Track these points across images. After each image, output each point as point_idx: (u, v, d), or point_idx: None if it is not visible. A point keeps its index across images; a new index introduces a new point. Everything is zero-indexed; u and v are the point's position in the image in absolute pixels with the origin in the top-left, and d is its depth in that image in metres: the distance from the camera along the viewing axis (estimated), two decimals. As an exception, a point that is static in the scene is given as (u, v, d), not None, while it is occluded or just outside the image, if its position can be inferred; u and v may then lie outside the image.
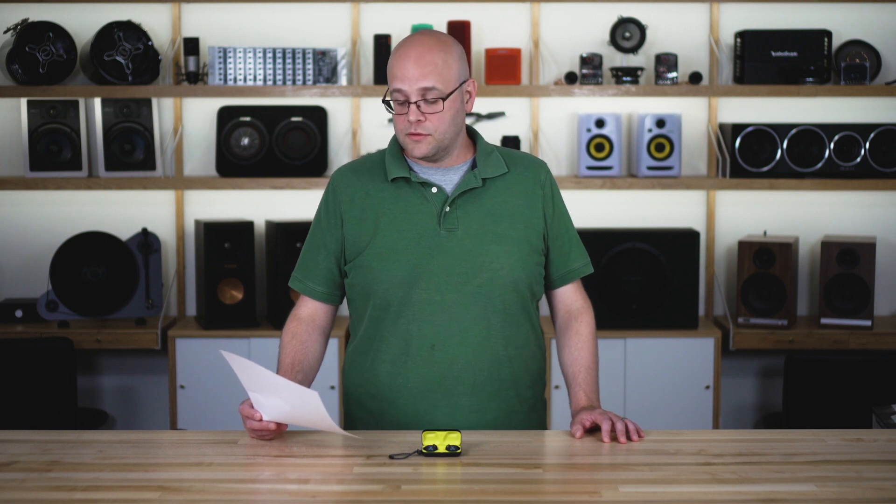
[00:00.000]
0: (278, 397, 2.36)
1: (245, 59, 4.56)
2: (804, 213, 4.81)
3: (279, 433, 2.44)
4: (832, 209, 4.81)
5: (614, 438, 2.44)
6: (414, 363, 2.56)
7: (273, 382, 2.35)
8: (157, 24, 4.71)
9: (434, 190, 2.58)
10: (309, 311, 2.67)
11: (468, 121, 4.72)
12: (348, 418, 2.69)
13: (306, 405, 2.34)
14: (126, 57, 4.50)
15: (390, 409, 2.57)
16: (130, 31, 4.50)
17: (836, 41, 4.70)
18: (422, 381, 2.55)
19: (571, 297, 2.72)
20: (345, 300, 2.71)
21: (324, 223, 2.64)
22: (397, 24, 4.70)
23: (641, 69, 4.62)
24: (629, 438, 2.43)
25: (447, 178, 2.60)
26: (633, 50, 4.62)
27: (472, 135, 2.68)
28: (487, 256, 2.56)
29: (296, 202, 4.73)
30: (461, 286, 2.54)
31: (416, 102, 2.49)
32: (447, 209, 2.57)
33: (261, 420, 2.40)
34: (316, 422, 2.39)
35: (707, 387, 4.49)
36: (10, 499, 2.10)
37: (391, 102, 2.53)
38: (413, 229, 2.56)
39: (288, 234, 4.45)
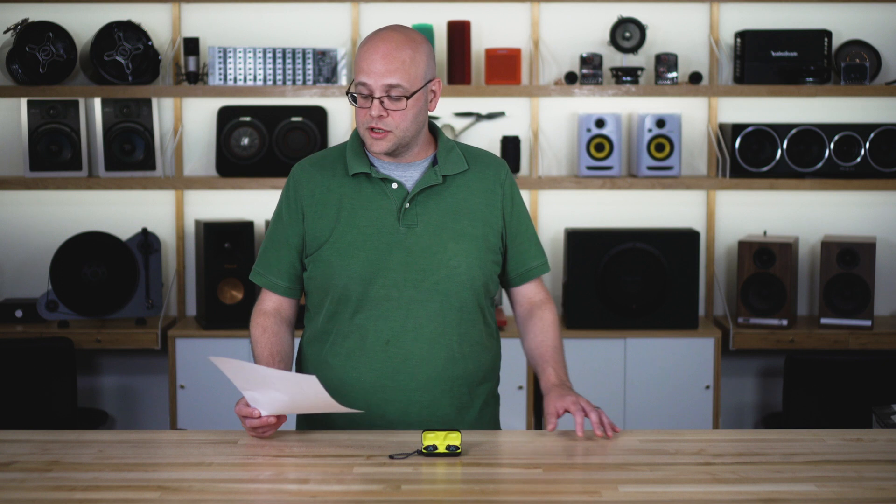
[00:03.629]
0: (275, 390, 2.37)
1: (245, 59, 4.56)
2: (804, 213, 4.81)
3: (279, 425, 2.45)
4: (832, 209, 4.81)
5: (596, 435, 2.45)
6: (368, 358, 2.56)
7: (268, 376, 2.36)
8: (157, 24, 4.71)
9: (394, 186, 2.59)
10: (274, 305, 2.67)
11: (467, 121, 4.74)
12: (300, 413, 2.69)
13: (305, 392, 2.35)
14: (126, 57, 4.50)
15: (342, 402, 2.55)
16: (130, 31, 4.50)
17: (836, 41, 4.70)
18: (375, 376, 2.56)
19: (533, 291, 2.73)
20: None
21: (285, 218, 2.64)
22: (397, 24, 4.69)
23: (641, 69, 4.62)
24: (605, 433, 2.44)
25: (408, 174, 2.61)
26: (633, 50, 4.62)
27: (434, 131, 2.68)
28: (446, 254, 2.57)
29: (296, 202, 4.72)
30: (419, 283, 2.55)
31: (379, 98, 2.49)
32: (407, 205, 2.57)
33: (260, 417, 2.40)
34: (318, 405, 2.40)
35: (707, 387, 4.49)
36: (10, 499, 2.10)
37: (355, 96, 2.53)
38: (372, 225, 2.56)
39: (288, 234, 4.44)
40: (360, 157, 2.60)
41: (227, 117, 4.68)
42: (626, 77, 4.60)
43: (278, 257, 2.65)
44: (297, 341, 2.73)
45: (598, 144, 4.63)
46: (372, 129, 2.52)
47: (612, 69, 4.62)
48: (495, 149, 4.74)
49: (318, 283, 2.60)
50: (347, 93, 2.56)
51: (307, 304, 2.68)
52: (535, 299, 2.72)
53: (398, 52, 2.49)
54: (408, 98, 2.50)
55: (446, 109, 4.74)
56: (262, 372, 2.37)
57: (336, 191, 2.60)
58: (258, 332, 2.64)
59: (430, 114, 2.62)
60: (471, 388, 2.62)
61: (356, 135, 2.63)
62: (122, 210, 4.77)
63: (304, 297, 2.72)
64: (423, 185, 2.58)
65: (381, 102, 2.49)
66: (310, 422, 2.65)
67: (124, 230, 4.67)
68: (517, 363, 4.24)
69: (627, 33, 4.63)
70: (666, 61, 4.61)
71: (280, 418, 2.43)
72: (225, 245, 4.49)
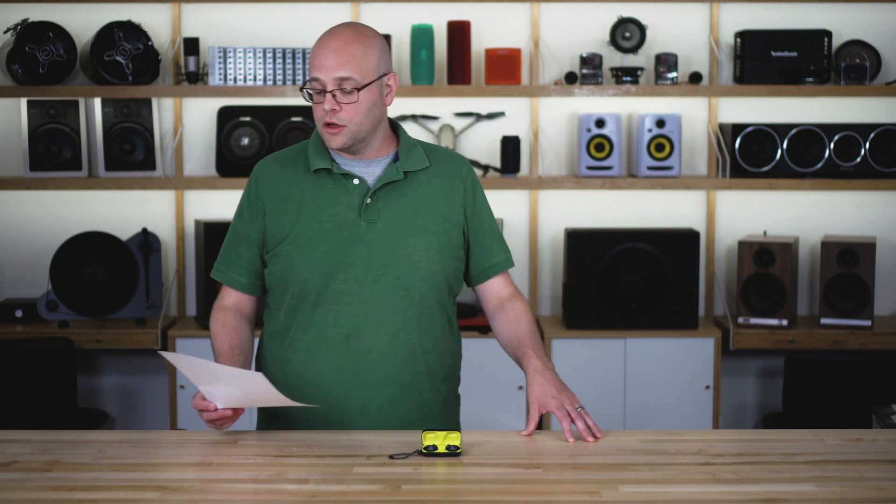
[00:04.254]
0: (227, 385, 2.38)
1: (245, 59, 4.56)
2: (804, 213, 4.81)
3: (237, 418, 2.46)
4: (832, 209, 4.81)
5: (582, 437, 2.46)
6: (328, 352, 2.56)
7: (218, 372, 2.38)
8: (157, 24, 4.71)
9: (356, 181, 2.60)
10: (234, 301, 2.68)
11: (467, 121, 4.74)
12: (260, 410, 2.69)
13: (255, 387, 2.38)
14: (126, 57, 4.50)
15: (302, 398, 2.55)
16: (130, 31, 4.50)
17: (836, 41, 4.70)
18: (335, 371, 2.56)
19: (501, 285, 2.73)
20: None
21: (246, 215, 2.65)
22: (397, 24, 4.70)
23: (641, 69, 4.62)
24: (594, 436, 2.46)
25: (369, 170, 2.62)
26: (633, 50, 4.62)
27: (396, 128, 2.69)
28: (406, 249, 2.57)
29: (296, 202, 4.72)
30: (379, 277, 2.56)
31: (331, 92, 2.51)
32: (368, 201, 2.58)
33: (216, 409, 2.41)
34: (268, 399, 2.42)
35: (707, 387, 4.49)
36: (10, 499, 2.10)
37: (310, 92, 2.54)
38: (333, 220, 2.57)
39: (288, 234, 4.44)
40: (321, 153, 2.62)
41: (227, 117, 4.68)
42: (626, 77, 4.60)
43: (238, 254, 2.66)
44: (257, 340, 2.72)
45: (598, 144, 4.63)
46: (327, 124, 2.53)
47: (612, 69, 4.62)
48: (495, 149, 4.74)
49: (278, 278, 2.61)
50: (301, 89, 2.57)
51: (267, 301, 2.69)
52: (504, 294, 2.72)
53: (348, 46, 2.52)
54: (359, 90, 2.51)
55: (446, 109, 4.74)
56: (214, 368, 2.39)
57: (297, 187, 2.61)
58: (217, 326, 2.65)
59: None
60: (432, 385, 2.62)
61: (318, 132, 2.64)
62: (122, 210, 4.77)
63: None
64: (384, 181, 2.59)
65: (334, 96, 2.51)
66: (270, 421, 2.65)
67: (124, 230, 4.67)
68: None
69: (627, 33, 4.63)
70: (666, 61, 4.61)
71: (237, 410, 2.44)
72: (225, 245, 4.49)
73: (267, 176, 2.65)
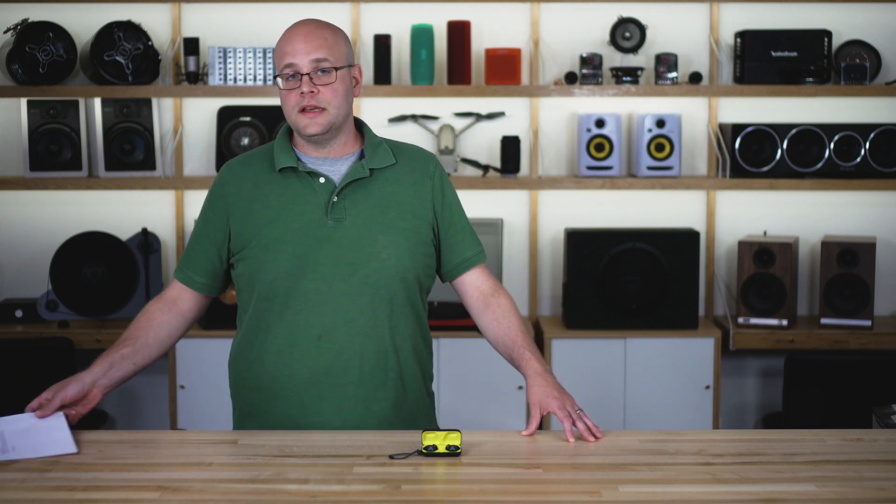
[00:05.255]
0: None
1: (245, 59, 4.56)
2: (804, 213, 4.81)
3: (88, 400, 2.54)
4: (832, 209, 4.81)
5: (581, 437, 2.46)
6: (300, 354, 2.55)
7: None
8: (157, 24, 4.72)
9: (322, 180, 2.59)
10: (173, 294, 2.67)
11: (467, 121, 4.74)
12: (236, 413, 2.68)
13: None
14: (126, 57, 4.50)
15: (276, 401, 2.55)
16: (130, 31, 4.50)
17: (836, 41, 4.70)
18: (308, 373, 2.54)
19: (479, 279, 2.71)
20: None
21: (208, 215, 2.65)
22: (397, 24, 4.70)
23: (641, 69, 4.62)
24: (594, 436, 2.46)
25: (335, 168, 2.61)
26: (633, 50, 4.62)
27: (361, 126, 2.69)
28: (375, 247, 2.56)
29: (296, 202, 4.72)
30: (348, 276, 2.54)
31: (308, 74, 2.52)
32: (335, 199, 2.57)
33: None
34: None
35: (707, 387, 4.49)
36: (10, 499, 2.10)
37: (281, 82, 2.54)
38: (300, 220, 2.56)
39: (288, 234, 4.45)
40: (287, 152, 2.61)
41: (227, 117, 4.69)
42: (626, 77, 4.60)
43: (196, 253, 2.66)
44: (228, 342, 2.71)
45: (598, 144, 4.63)
46: (305, 109, 2.52)
47: (612, 69, 4.62)
48: (495, 149, 4.74)
49: (246, 280, 2.60)
50: (275, 78, 2.56)
51: (238, 304, 2.67)
52: (484, 288, 2.70)
53: (318, 31, 2.56)
54: (337, 70, 2.52)
55: (446, 109, 4.74)
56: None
57: (263, 187, 2.60)
58: (139, 314, 2.66)
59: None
60: (405, 382, 2.61)
61: (284, 132, 2.64)
62: (122, 210, 4.77)
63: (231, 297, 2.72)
64: (350, 178, 2.58)
65: (311, 78, 2.51)
66: (246, 422, 2.64)
67: (124, 230, 4.67)
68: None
69: (627, 33, 4.63)
70: (666, 61, 4.61)
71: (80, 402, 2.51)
72: (225, 245, 4.49)
73: (233, 177, 2.64)
